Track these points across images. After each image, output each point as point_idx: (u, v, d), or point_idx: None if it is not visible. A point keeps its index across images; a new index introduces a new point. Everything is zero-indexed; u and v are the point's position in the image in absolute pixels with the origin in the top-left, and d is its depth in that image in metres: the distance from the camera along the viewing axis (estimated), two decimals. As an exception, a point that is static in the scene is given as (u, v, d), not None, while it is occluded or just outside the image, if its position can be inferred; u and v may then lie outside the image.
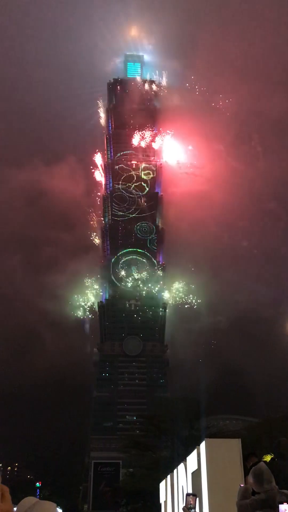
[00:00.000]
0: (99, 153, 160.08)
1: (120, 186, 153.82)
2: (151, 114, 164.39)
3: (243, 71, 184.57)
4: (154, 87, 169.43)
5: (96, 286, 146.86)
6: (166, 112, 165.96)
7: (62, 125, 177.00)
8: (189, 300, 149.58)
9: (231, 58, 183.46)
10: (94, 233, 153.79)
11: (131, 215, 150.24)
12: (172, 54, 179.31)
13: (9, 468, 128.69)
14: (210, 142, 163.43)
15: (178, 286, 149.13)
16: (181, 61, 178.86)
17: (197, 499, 6.66)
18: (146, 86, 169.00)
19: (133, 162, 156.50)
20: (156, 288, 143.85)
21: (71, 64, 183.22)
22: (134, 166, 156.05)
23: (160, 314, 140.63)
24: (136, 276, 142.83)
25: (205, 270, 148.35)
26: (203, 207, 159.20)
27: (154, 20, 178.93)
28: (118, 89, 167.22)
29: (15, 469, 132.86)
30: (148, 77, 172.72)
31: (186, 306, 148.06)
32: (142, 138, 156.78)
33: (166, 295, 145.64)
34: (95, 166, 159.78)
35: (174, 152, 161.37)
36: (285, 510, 4.07)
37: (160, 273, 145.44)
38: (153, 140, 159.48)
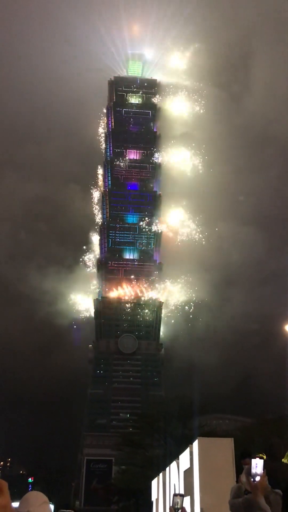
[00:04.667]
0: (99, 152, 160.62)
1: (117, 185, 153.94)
2: (150, 113, 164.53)
3: (247, 63, 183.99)
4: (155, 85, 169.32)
5: (93, 284, 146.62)
6: (167, 113, 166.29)
7: (63, 123, 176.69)
8: (185, 300, 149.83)
9: (235, 54, 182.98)
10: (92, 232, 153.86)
11: (128, 215, 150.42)
12: (174, 52, 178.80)
13: (1, 463, 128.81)
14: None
15: (173, 285, 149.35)
16: (182, 59, 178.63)
17: (184, 499, 6.66)
18: (147, 84, 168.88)
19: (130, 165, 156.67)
20: (152, 287, 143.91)
21: (72, 62, 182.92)
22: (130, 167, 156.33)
23: (156, 313, 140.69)
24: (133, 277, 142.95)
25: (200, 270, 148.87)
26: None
27: (156, 18, 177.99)
28: (118, 87, 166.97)
29: (8, 464, 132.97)
30: (149, 75, 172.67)
31: (181, 306, 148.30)
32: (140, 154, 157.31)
33: (162, 294, 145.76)
34: (94, 163, 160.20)
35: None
36: (257, 464, 4.11)
37: (156, 272, 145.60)
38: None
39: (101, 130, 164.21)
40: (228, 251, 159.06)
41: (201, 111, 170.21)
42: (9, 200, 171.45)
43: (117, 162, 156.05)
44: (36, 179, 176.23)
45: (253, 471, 4.06)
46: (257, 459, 4.09)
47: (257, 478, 4.04)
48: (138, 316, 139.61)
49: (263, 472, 4.06)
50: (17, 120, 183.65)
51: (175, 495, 6.63)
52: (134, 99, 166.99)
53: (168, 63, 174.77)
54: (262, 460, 4.09)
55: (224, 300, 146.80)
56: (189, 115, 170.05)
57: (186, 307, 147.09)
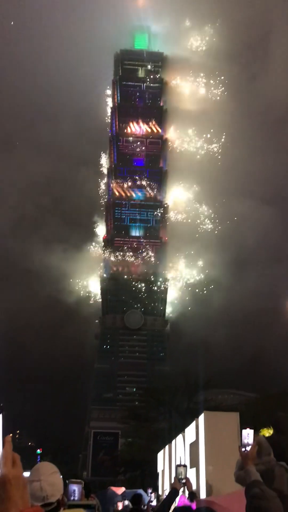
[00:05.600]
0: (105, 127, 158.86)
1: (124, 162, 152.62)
2: (157, 86, 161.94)
3: (254, 38, 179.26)
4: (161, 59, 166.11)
5: (100, 261, 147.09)
6: (173, 85, 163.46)
7: (67, 96, 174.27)
8: (194, 277, 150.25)
9: (241, 27, 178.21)
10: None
11: (135, 191, 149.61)
12: (180, 24, 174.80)
13: (10, 435, 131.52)
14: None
15: (181, 262, 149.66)
16: (190, 31, 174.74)
17: (187, 469, 6.81)
18: (154, 57, 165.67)
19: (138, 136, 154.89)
20: (158, 262, 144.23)
21: (77, 35, 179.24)
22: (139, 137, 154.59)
23: (162, 288, 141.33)
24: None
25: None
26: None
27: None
28: (125, 60, 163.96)
29: (17, 436, 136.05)
30: (155, 48, 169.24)
31: (190, 283, 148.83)
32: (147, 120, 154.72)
33: (168, 270, 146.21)
34: (103, 140, 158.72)
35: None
36: (248, 434, 4.20)
37: (163, 249, 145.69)
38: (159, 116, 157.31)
39: (108, 105, 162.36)
40: (241, 230, 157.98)
41: (215, 90, 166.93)
42: (18, 177, 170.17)
43: (123, 137, 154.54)
44: (44, 158, 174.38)
45: (244, 441, 4.15)
46: (248, 429, 4.18)
47: (248, 448, 4.14)
48: (144, 292, 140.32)
49: (254, 443, 4.14)
50: (22, 97, 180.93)
51: (178, 465, 6.75)
52: (141, 73, 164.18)
53: (179, 38, 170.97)
54: (252, 431, 4.19)
55: (235, 278, 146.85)
56: (201, 93, 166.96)
57: (194, 284, 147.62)
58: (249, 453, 4.05)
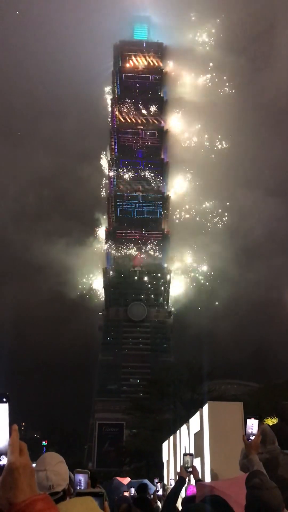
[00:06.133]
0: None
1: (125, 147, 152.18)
2: (157, 77, 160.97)
3: (255, 28, 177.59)
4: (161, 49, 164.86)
5: (103, 253, 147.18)
6: (173, 76, 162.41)
7: (67, 88, 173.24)
8: (195, 267, 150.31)
9: (243, 19, 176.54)
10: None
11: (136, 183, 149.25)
12: (181, 14, 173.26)
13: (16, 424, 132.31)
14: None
15: (185, 253, 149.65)
16: (190, 21, 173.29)
17: (193, 458, 6.89)
18: (153, 48, 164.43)
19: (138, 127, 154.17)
20: (161, 255, 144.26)
21: (77, 26, 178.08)
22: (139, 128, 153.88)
23: (165, 280, 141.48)
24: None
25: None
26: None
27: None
28: (124, 51, 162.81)
29: (22, 428, 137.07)
30: (155, 39, 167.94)
31: (194, 274, 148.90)
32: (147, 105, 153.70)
33: (172, 261, 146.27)
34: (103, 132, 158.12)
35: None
36: (253, 424, 4.24)
37: (165, 240, 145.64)
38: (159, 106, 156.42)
39: (108, 97, 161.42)
40: (246, 222, 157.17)
41: (217, 81, 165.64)
42: (20, 171, 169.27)
43: (124, 129, 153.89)
44: (45, 152, 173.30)
45: (249, 430, 4.20)
46: (253, 419, 4.23)
47: (252, 437, 4.19)
48: (147, 284, 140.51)
49: (258, 432, 4.19)
50: (17, 84, 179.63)
51: (185, 454, 6.82)
52: (141, 64, 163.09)
53: (179, 28, 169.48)
54: (257, 421, 4.23)
55: (240, 269, 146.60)
56: (202, 84, 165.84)
57: (198, 275, 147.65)
58: (253, 442, 4.09)
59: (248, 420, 4.28)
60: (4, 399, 1.95)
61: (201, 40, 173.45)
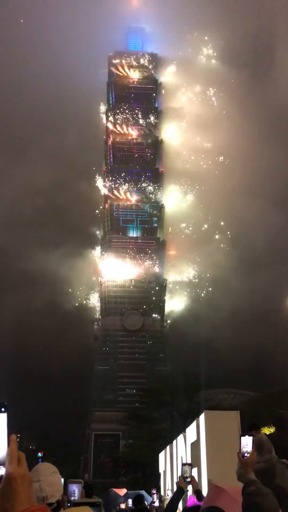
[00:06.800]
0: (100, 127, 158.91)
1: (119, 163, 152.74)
2: (152, 88, 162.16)
3: (248, 39, 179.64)
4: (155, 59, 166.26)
5: (98, 264, 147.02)
6: (167, 86, 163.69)
7: (62, 99, 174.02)
8: (190, 276, 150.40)
9: (235, 27, 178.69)
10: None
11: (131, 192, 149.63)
12: (174, 25, 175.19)
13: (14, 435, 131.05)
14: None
15: (180, 262, 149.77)
16: (183, 33, 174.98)
17: (192, 468, 6.83)
18: (148, 58, 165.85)
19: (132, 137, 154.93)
20: (157, 263, 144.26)
21: (72, 37, 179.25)
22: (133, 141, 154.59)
23: (160, 289, 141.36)
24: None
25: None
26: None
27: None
28: (119, 62, 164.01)
29: (17, 439, 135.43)
30: (149, 49, 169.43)
31: (189, 283, 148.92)
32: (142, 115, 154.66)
33: (168, 270, 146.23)
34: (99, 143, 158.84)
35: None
36: (247, 442, 4.19)
37: (160, 249, 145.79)
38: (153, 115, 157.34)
39: (103, 107, 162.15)
40: (245, 231, 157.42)
41: (213, 91, 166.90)
42: (20, 183, 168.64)
43: (118, 139, 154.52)
44: (42, 165, 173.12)
45: (244, 449, 4.14)
46: (247, 436, 4.19)
47: (247, 455, 4.14)
48: (143, 293, 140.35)
49: (253, 449, 4.15)
50: (12, 95, 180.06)
51: (184, 464, 6.76)
52: (135, 74, 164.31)
53: (174, 39, 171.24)
54: (251, 438, 4.19)
55: (237, 278, 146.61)
56: (198, 95, 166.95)
57: (195, 284, 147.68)
58: (248, 459, 4.05)
59: (242, 438, 4.21)
60: (3, 409, 1.94)
61: (195, 51, 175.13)
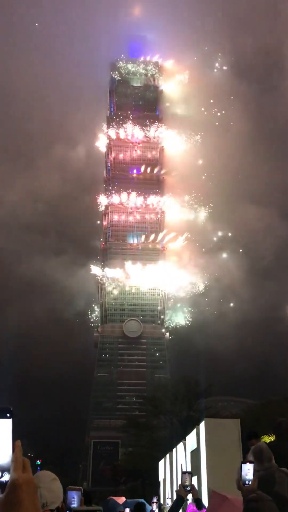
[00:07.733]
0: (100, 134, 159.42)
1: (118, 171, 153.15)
2: (153, 95, 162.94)
3: (247, 47, 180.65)
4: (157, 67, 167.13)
5: (98, 271, 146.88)
6: (169, 93, 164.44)
7: (64, 106, 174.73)
8: (192, 283, 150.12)
9: (237, 35, 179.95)
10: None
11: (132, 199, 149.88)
12: (176, 33, 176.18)
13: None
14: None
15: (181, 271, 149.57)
16: (184, 40, 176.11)
17: (192, 476, 6.79)
18: (149, 66, 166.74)
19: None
20: (157, 271, 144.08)
21: (73, 45, 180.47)
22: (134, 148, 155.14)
23: (161, 297, 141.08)
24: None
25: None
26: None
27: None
28: (120, 69, 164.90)
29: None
30: (151, 57, 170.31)
31: (187, 288, 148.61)
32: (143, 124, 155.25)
33: (168, 278, 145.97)
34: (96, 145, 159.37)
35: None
36: (249, 469, 4.13)
37: (161, 256, 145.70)
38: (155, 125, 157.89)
39: (104, 115, 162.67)
40: (249, 239, 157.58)
41: (216, 100, 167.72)
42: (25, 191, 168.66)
43: (119, 146, 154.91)
44: (41, 175, 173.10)
45: (245, 476, 4.06)
46: (248, 463, 4.12)
47: (247, 482, 4.07)
48: (143, 301, 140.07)
49: (254, 476, 4.09)
50: (15, 103, 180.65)
51: (183, 472, 6.73)
52: (136, 82, 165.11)
53: (175, 47, 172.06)
54: (252, 465, 4.12)
55: (239, 287, 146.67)
56: (200, 102, 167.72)
57: (195, 292, 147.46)
58: (250, 488, 3.99)
59: (243, 465, 4.13)
60: (8, 415, 1.94)
61: (198, 59, 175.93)
